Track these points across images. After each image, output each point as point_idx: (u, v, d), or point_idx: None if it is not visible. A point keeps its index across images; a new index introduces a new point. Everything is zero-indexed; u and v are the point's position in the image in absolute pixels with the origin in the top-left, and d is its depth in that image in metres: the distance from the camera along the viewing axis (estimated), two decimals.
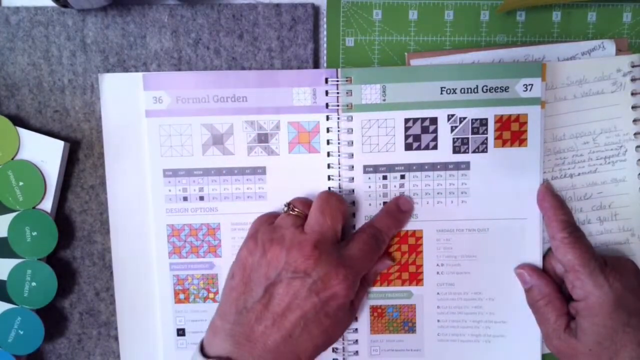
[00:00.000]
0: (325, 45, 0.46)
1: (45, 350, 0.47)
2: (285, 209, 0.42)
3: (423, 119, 0.44)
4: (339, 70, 0.44)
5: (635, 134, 0.44)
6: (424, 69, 0.43)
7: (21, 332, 0.44)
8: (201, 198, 0.45)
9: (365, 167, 0.44)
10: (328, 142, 0.44)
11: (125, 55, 0.45)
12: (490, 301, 0.45)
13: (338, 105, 0.44)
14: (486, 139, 0.44)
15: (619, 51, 0.45)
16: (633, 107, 0.44)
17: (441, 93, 0.43)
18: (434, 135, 0.44)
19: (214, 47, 0.45)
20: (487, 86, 0.43)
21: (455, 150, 0.44)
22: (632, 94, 0.44)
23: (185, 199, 0.45)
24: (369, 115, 0.44)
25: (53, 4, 0.44)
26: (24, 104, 0.45)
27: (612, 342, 0.39)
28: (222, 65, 0.45)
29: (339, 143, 0.44)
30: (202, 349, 0.39)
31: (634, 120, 0.44)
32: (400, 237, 0.45)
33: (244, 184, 0.45)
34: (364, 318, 0.46)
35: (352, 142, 0.44)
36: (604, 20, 0.46)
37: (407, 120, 0.44)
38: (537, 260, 0.44)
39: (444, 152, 0.44)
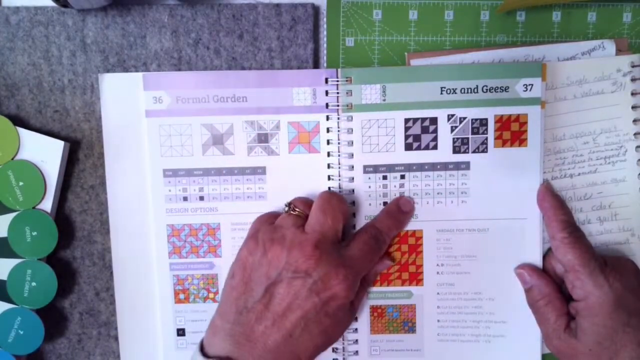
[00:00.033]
0: (325, 45, 0.46)
1: (45, 350, 0.47)
2: (286, 208, 0.42)
3: (423, 119, 0.44)
4: (339, 70, 0.44)
5: (635, 134, 0.44)
6: (424, 69, 0.43)
7: (21, 332, 0.44)
8: (201, 198, 0.45)
9: (365, 167, 0.44)
10: (328, 142, 0.44)
11: (125, 55, 0.45)
12: (490, 301, 0.45)
13: (338, 105, 0.44)
14: (486, 139, 0.44)
15: (619, 51, 0.45)
16: (633, 107, 0.44)
17: (441, 93, 0.43)
18: (434, 135, 0.44)
19: (214, 47, 0.45)
20: (487, 86, 0.43)
21: (455, 150, 0.44)
22: (632, 94, 0.44)
23: (185, 199, 0.45)
24: (369, 115, 0.44)
25: (53, 4, 0.44)
26: (24, 104, 0.45)
27: (612, 342, 0.39)
28: (222, 65, 0.45)
29: (339, 143, 0.44)
30: (202, 349, 0.39)
31: (634, 120, 0.44)
32: (400, 237, 0.45)
33: (244, 184, 0.45)
34: (364, 318, 0.46)
35: (352, 142, 0.44)
36: (604, 20, 0.46)
37: (407, 120, 0.44)
38: (537, 260, 0.44)
39: (444, 152, 0.44)
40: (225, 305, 0.40)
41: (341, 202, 0.41)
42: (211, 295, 0.46)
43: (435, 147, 0.44)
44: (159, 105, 0.44)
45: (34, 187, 0.44)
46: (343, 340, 0.46)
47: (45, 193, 0.44)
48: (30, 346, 0.45)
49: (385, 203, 0.45)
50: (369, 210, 0.45)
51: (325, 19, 0.45)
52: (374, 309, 0.46)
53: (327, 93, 0.44)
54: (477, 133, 0.44)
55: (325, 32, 0.46)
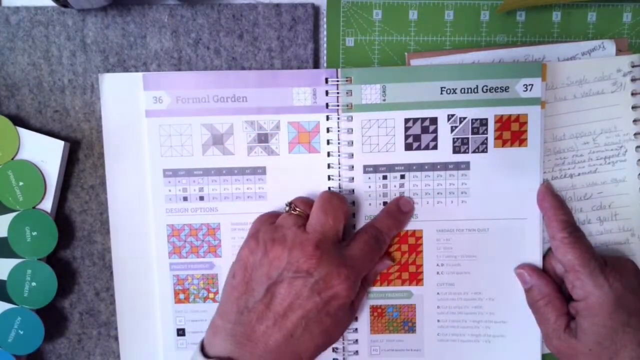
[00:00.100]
0: (325, 45, 0.46)
1: (45, 350, 0.47)
2: (287, 208, 0.42)
3: (423, 119, 0.44)
4: (339, 70, 0.44)
5: (635, 134, 0.44)
6: (424, 69, 0.43)
7: (21, 332, 0.44)
8: (201, 198, 0.45)
9: (365, 167, 0.44)
10: (328, 142, 0.44)
11: (125, 55, 0.45)
12: (490, 301, 0.45)
13: (338, 105, 0.44)
14: (486, 139, 0.44)
15: (619, 51, 0.45)
16: (633, 107, 0.44)
17: (441, 93, 0.43)
18: (434, 135, 0.44)
19: (214, 47, 0.45)
20: (487, 86, 0.43)
21: (455, 150, 0.44)
22: (632, 94, 0.44)
23: (185, 199, 0.45)
24: (369, 115, 0.44)
25: (53, 4, 0.44)
26: (24, 104, 0.45)
27: (612, 342, 0.39)
28: (222, 65, 0.45)
29: (339, 143, 0.44)
30: (202, 349, 0.39)
31: (634, 120, 0.44)
32: (400, 237, 0.45)
33: (244, 184, 0.45)
34: (364, 318, 0.46)
35: (352, 142, 0.44)
36: (604, 20, 0.46)
37: (407, 120, 0.44)
38: (537, 260, 0.44)
39: (444, 152, 0.44)
40: (226, 305, 0.40)
41: (342, 202, 0.41)
42: (211, 295, 0.46)
43: (435, 147, 0.44)
44: (159, 105, 0.44)
45: (34, 187, 0.44)
46: (343, 340, 0.46)
47: (45, 193, 0.44)
48: (30, 346, 0.45)
49: (385, 203, 0.45)
50: (369, 210, 0.45)
51: (325, 19, 0.45)
52: (374, 308, 0.46)
53: (327, 93, 0.44)
54: (477, 133, 0.44)
55: (325, 32, 0.46)
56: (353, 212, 0.45)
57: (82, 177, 0.46)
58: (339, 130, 0.44)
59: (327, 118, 0.44)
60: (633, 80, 0.44)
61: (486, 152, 0.44)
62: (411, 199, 0.45)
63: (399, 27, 0.45)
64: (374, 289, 0.45)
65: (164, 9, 0.45)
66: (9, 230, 0.44)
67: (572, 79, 0.44)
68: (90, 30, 0.45)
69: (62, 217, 0.46)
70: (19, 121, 0.45)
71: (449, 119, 0.44)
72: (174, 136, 0.44)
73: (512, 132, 0.44)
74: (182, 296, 0.46)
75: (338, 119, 0.44)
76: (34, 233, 0.44)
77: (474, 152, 0.44)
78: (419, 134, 0.44)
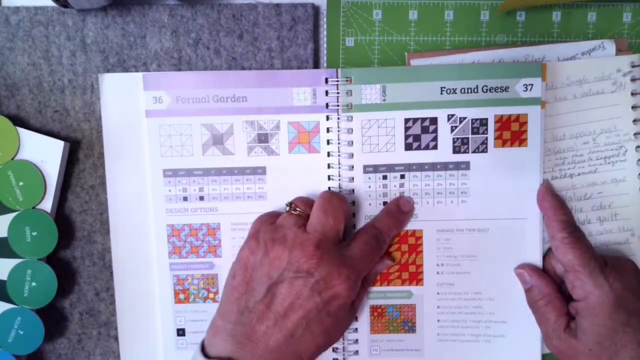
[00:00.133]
0: (325, 45, 0.46)
1: (45, 350, 0.47)
2: (287, 208, 0.42)
3: (423, 119, 0.44)
4: (339, 70, 0.44)
5: (635, 134, 0.44)
6: (424, 69, 0.43)
7: (21, 332, 0.44)
8: (201, 198, 0.45)
9: (365, 167, 0.44)
10: (328, 142, 0.44)
11: (125, 55, 0.45)
12: (490, 301, 0.45)
13: (338, 105, 0.44)
14: (486, 139, 0.44)
15: (619, 51, 0.45)
16: (633, 107, 0.44)
17: (441, 93, 0.43)
18: (434, 135, 0.44)
19: (214, 47, 0.45)
20: (487, 86, 0.43)
21: (455, 150, 0.44)
22: (632, 94, 0.44)
23: (185, 199, 0.45)
24: (369, 115, 0.44)
25: (53, 4, 0.44)
26: (24, 104, 0.45)
27: (612, 342, 0.39)
28: (222, 65, 0.45)
29: (339, 143, 0.44)
30: (203, 349, 0.39)
31: (634, 120, 0.44)
32: (400, 237, 0.45)
33: (244, 184, 0.45)
34: (364, 318, 0.46)
35: (352, 142, 0.44)
36: (604, 20, 0.46)
37: (407, 120, 0.44)
38: (537, 260, 0.44)
39: (444, 152, 0.44)
40: (227, 306, 0.40)
41: (342, 202, 0.41)
42: (211, 295, 0.46)
43: (435, 147, 0.44)
44: (159, 105, 0.44)
45: (34, 187, 0.44)
46: (343, 340, 0.46)
47: (45, 193, 0.44)
48: (30, 346, 0.45)
49: (385, 203, 0.45)
50: (369, 210, 0.45)
51: (325, 19, 0.45)
52: (374, 308, 0.46)
53: (327, 93, 0.44)
54: (477, 133, 0.44)
55: (325, 32, 0.46)
56: (353, 212, 0.45)
57: (82, 177, 0.46)
58: (339, 130, 0.44)
59: (327, 118, 0.44)
60: (633, 80, 0.44)
61: (486, 152, 0.44)
62: (411, 198, 0.45)
63: (399, 27, 0.45)
64: (374, 288, 0.45)
65: (164, 9, 0.45)
66: (9, 230, 0.44)
67: (572, 79, 0.44)
68: (90, 30, 0.45)
69: (62, 217, 0.46)
70: (19, 121, 0.45)
71: (449, 119, 0.44)
72: (174, 136, 0.44)
73: (512, 132, 0.44)
74: (182, 296, 0.46)
75: (338, 119, 0.44)
76: (34, 233, 0.44)
77: (474, 152, 0.44)
78: (419, 134, 0.44)
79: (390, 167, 0.44)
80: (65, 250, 0.46)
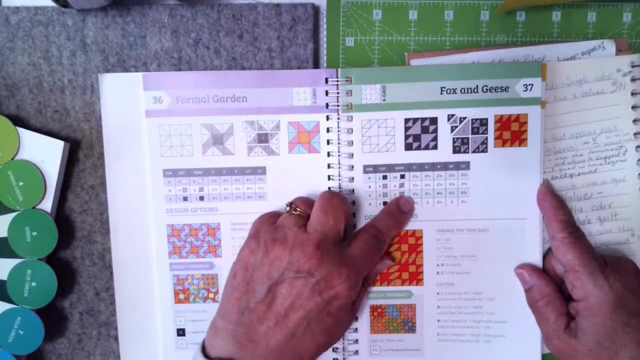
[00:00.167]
0: (325, 45, 0.46)
1: (45, 350, 0.47)
2: (288, 208, 0.42)
3: (423, 119, 0.44)
4: (339, 70, 0.44)
5: (635, 134, 0.44)
6: (424, 69, 0.43)
7: (21, 332, 0.44)
8: (201, 198, 0.45)
9: (365, 167, 0.44)
10: (328, 142, 0.44)
11: (125, 55, 0.45)
12: (490, 301, 0.45)
13: (338, 105, 0.44)
14: (486, 139, 0.44)
15: (619, 51, 0.45)
16: (633, 107, 0.44)
17: (441, 93, 0.43)
18: (434, 135, 0.44)
19: (214, 47, 0.45)
20: (487, 86, 0.43)
21: (455, 150, 0.44)
22: (632, 94, 0.44)
23: (185, 199, 0.45)
24: (369, 115, 0.44)
25: (53, 4, 0.44)
26: (24, 104, 0.45)
27: (612, 343, 0.39)
28: (222, 65, 0.45)
29: (339, 143, 0.44)
30: (203, 350, 0.39)
31: (634, 120, 0.44)
32: (400, 237, 0.45)
33: (244, 184, 0.45)
34: (364, 318, 0.46)
35: (352, 142, 0.44)
36: (604, 20, 0.46)
37: (407, 120, 0.44)
38: (537, 260, 0.44)
39: (444, 152, 0.44)
40: (227, 306, 0.40)
41: (342, 202, 0.41)
42: (211, 295, 0.46)
43: (435, 147, 0.44)
44: (159, 105, 0.44)
45: (34, 187, 0.44)
46: (343, 339, 0.46)
47: (45, 193, 0.44)
48: (30, 346, 0.45)
49: (385, 203, 0.45)
50: (369, 210, 0.45)
51: (325, 19, 0.45)
52: (374, 308, 0.46)
53: (327, 93, 0.44)
54: (477, 133, 0.44)
55: (325, 32, 0.45)
56: (353, 212, 0.45)
57: (82, 177, 0.46)
58: (339, 130, 0.44)
59: (327, 118, 0.44)
60: (633, 80, 0.44)
61: (486, 152, 0.44)
62: (411, 198, 0.45)
63: (399, 27, 0.45)
64: (374, 288, 0.45)
65: (164, 9, 0.45)
66: (9, 230, 0.44)
67: (572, 79, 0.44)
68: (90, 30, 0.45)
69: (62, 217, 0.46)
70: (19, 121, 0.45)
71: (449, 119, 0.44)
72: (174, 136, 0.44)
73: (512, 132, 0.44)
74: (182, 296, 0.46)
75: (338, 119, 0.44)
76: (34, 233, 0.44)
77: (474, 152, 0.44)
78: (419, 134, 0.44)
79: (390, 167, 0.44)
80: (65, 250, 0.46)
